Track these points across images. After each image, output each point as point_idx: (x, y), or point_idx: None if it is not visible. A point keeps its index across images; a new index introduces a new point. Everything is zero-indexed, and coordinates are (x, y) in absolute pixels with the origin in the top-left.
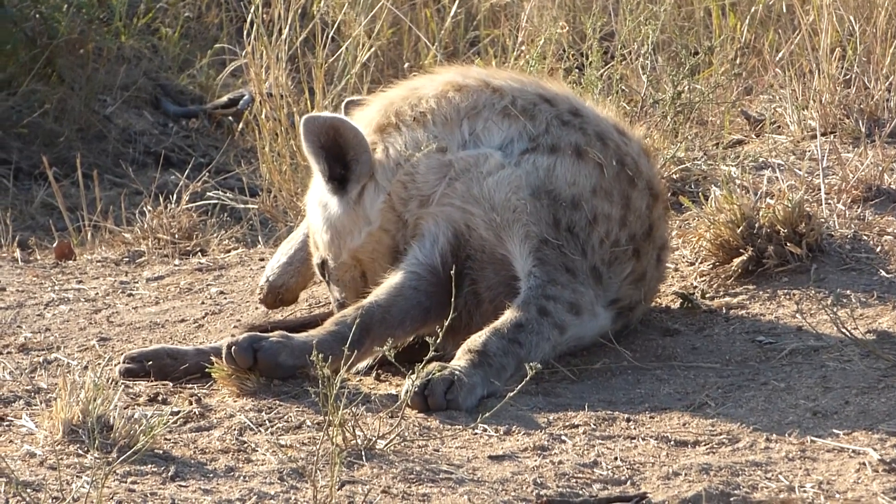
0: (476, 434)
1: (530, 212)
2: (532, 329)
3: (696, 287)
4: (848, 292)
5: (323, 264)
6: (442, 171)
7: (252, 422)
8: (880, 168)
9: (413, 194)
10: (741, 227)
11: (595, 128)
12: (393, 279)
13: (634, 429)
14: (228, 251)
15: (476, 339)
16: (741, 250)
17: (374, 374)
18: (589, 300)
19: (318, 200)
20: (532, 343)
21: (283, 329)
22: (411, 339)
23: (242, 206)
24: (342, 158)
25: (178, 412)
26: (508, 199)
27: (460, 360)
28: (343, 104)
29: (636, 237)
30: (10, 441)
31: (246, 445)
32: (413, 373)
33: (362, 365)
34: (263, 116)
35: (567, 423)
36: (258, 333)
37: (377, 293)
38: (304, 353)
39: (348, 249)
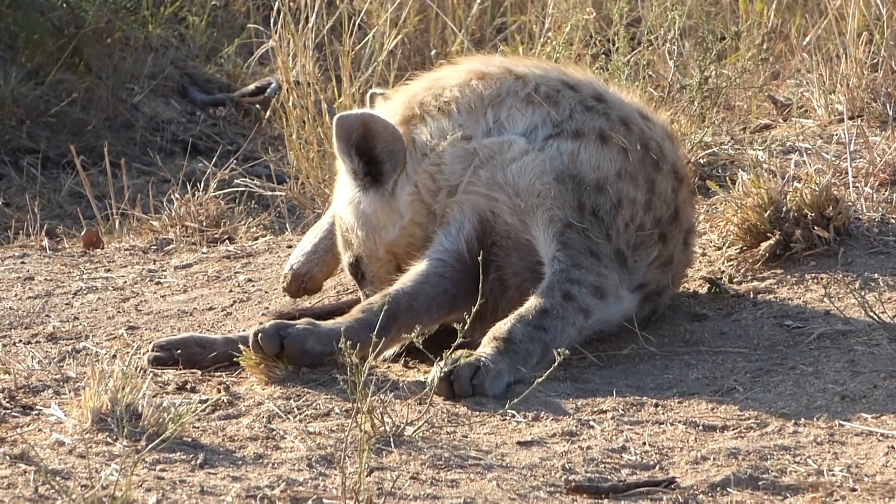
0: (504, 420)
1: (554, 196)
2: (557, 314)
3: (723, 272)
4: (876, 276)
5: (356, 263)
6: (467, 160)
7: (280, 409)
8: None
9: (441, 185)
10: (769, 212)
11: (619, 112)
12: (419, 267)
13: (663, 414)
14: (256, 239)
15: (501, 327)
16: (769, 234)
17: (402, 362)
18: (614, 283)
19: (349, 199)
20: (557, 328)
21: (310, 316)
22: (439, 326)
23: (270, 193)
24: (371, 153)
25: (207, 400)
26: (532, 184)
27: (486, 347)
28: (368, 96)
29: (662, 221)
30: (40, 430)
31: (274, 433)
32: (440, 360)
33: (390, 352)
34: (290, 104)
35: (595, 409)
36: (285, 321)
37: (403, 280)
38: (332, 339)
39: (384, 244)
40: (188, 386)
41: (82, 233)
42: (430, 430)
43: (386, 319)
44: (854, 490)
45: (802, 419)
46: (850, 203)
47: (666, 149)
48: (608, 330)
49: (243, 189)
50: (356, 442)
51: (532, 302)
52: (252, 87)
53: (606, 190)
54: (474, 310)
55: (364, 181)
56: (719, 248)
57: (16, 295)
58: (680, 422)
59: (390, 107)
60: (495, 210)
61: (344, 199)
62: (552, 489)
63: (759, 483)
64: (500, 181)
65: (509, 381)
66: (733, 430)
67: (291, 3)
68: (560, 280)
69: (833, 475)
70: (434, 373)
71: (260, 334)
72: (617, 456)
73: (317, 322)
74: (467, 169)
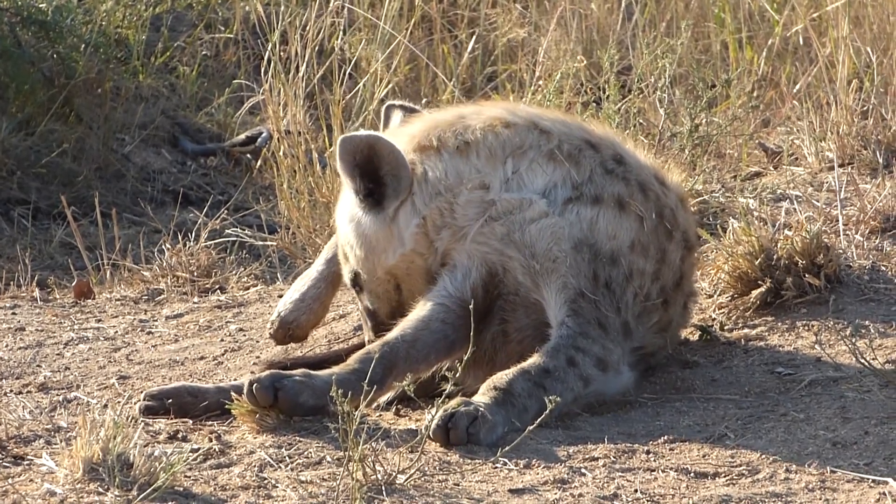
0: (496, 468)
1: (570, 264)
2: (558, 377)
3: (714, 319)
4: (867, 323)
5: (356, 277)
6: (481, 208)
7: (272, 458)
8: None
9: (448, 223)
10: (759, 259)
11: (637, 177)
12: (421, 311)
13: (654, 461)
14: (247, 288)
15: (502, 378)
16: (759, 282)
17: (393, 409)
18: (616, 358)
19: (350, 216)
20: (556, 390)
21: (303, 366)
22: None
23: (261, 243)
24: (375, 175)
25: (198, 449)
26: (550, 248)
27: (484, 395)
28: (384, 108)
29: (666, 288)
30: (31, 480)
31: (266, 482)
32: (433, 406)
33: (382, 399)
34: (281, 153)
35: (587, 456)
36: (281, 372)
37: (404, 327)
38: (326, 393)
39: (383, 266)
40: (180, 435)
41: (73, 283)
42: (422, 479)
43: (382, 371)
44: None
45: (794, 466)
46: (841, 251)
47: (679, 216)
48: (602, 401)
49: (234, 239)
50: (348, 490)
51: (536, 359)
52: (243, 136)
53: (620, 262)
54: (466, 358)
55: (366, 202)
56: (710, 296)
57: (7, 345)
58: (671, 469)
59: (409, 129)
60: (507, 267)
61: (346, 215)
62: None
63: None
64: (516, 240)
65: (502, 434)
66: (725, 476)
67: (282, 53)
68: (566, 345)
69: None
70: (429, 418)
71: (255, 384)
72: (608, 503)
73: (312, 373)
74: (480, 217)
